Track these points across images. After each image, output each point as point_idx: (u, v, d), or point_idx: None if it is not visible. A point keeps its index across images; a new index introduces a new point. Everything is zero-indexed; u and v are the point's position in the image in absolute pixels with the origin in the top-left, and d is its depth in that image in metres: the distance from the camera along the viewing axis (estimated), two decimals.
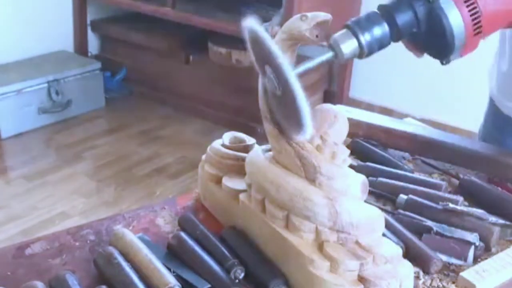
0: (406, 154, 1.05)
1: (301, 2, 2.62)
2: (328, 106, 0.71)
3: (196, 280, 0.68)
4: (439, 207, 0.83)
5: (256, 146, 0.80)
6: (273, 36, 0.66)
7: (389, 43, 0.70)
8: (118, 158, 2.74)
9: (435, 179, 0.96)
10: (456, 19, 0.69)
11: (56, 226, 2.18)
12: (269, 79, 0.64)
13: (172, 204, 0.86)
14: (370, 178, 0.88)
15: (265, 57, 0.63)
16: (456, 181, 0.95)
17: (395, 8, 0.69)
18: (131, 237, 0.72)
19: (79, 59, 3.31)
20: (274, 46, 0.61)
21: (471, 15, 0.70)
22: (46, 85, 2.96)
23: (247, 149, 0.83)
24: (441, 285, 0.72)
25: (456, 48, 0.70)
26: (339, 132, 0.70)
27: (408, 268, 0.67)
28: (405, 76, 3.06)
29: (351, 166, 0.72)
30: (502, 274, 0.72)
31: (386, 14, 0.69)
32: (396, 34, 0.70)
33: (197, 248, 0.71)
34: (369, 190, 0.73)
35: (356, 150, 1.02)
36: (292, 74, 0.61)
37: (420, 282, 0.72)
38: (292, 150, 0.69)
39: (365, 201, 0.70)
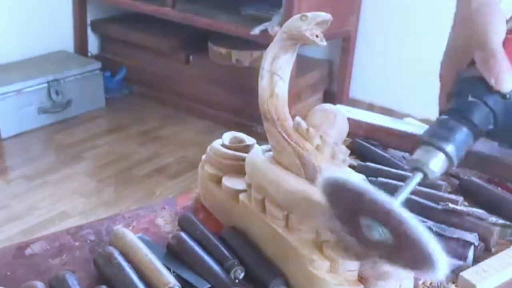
0: (406, 154, 1.05)
1: (301, 2, 2.62)
2: (328, 106, 0.71)
3: (196, 280, 0.68)
4: (439, 207, 0.83)
5: (256, 146, 0.80)
6: (273, 36, 0.65)
7: (472, 144, 0.66)
8: (118, 158, 2.74)
9: None
10: None
11: (56, 226, 2.18)
12: (367, 229, 0.56)
13: (172, 204, 0.86)
14: (370, 178, 0.88)
15: (363, 209, 0.55)
16: (456, 181, 0.95)
17: (468, 110, 0.65)
18: (131, 237, 0.72)
19: (79, 59, 3.31)
20: (384, 197, 0.52)
21: None
22: (46, 85, 2.96)
23: (247, 149, 0.83)
24: (441, 285, 0.72)
25: None
26: (339, 132, 0.70)
27: None
28: (405, 76, 3.06)
29: (351, 166, 0.72)
30: (502, 274, 0.72)
31: (459, 117, 0.65)
32: (475, 134, 0.66)
33: (197, 248, 0.71)
34: None
35: (356, 150, 1.02)
36: (411, 219, 0.52)
37: (420, 282, 0.72)
38: (292, 150, 0.69)
39: None
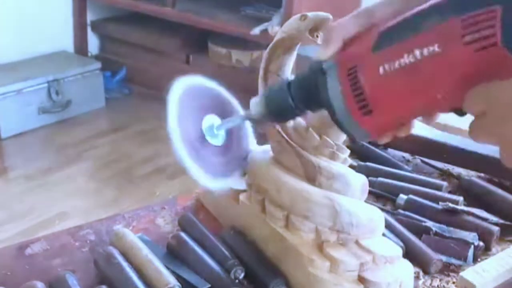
0: (406, 154, 1.05)
1: (301, 2, 2.62)
2: None
3: (196, 280, 0.68)
4: (439, 207, 0.83)
5: (256, 146, 0.80)
6: (273, 36, 0.64)
7: (296, 114, 0.62)
8: (118, 158, 2.74)
9: (435, 179, 0.96)
10: (334, 90, 0.55)
11: (56, 226, 2.18)
12: None
13: (172, 204, 0.86)
14: (370, 178, 0.88)
15: None
16: (456, 181, 0.95)
17: (296, 80, 0.61)
18: (131, 237, 0.72)
19: (79, 59, 3.31)
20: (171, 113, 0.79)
21: (351, 86, 0.54)
22: (46, 85, 2.96)
23: None
24: (441, 285, 0.72)
25: (346, 126, 0.56)
26: (339, 132, 0.69)
27: (408, 268, 0.67)
28: None
29: (351, 166, 0.72)
30: (502, 274, 0.72)
31: (288, 86, 0.61)
32: (303, 106, 0.61)
33: (197, 248, 0.71)
34: (369, 190, 0.73)
35: (356, 150, 1.02)
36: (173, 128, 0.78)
37: (420, 282, 0.72)
38: (292, 150, 0.69)
39: (365, 201, 0.70)
